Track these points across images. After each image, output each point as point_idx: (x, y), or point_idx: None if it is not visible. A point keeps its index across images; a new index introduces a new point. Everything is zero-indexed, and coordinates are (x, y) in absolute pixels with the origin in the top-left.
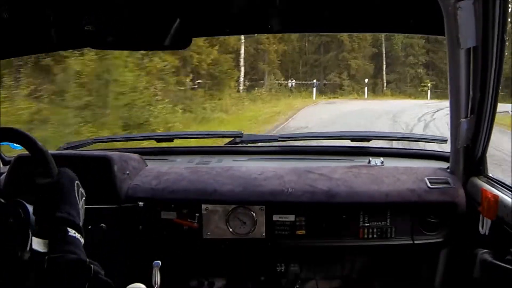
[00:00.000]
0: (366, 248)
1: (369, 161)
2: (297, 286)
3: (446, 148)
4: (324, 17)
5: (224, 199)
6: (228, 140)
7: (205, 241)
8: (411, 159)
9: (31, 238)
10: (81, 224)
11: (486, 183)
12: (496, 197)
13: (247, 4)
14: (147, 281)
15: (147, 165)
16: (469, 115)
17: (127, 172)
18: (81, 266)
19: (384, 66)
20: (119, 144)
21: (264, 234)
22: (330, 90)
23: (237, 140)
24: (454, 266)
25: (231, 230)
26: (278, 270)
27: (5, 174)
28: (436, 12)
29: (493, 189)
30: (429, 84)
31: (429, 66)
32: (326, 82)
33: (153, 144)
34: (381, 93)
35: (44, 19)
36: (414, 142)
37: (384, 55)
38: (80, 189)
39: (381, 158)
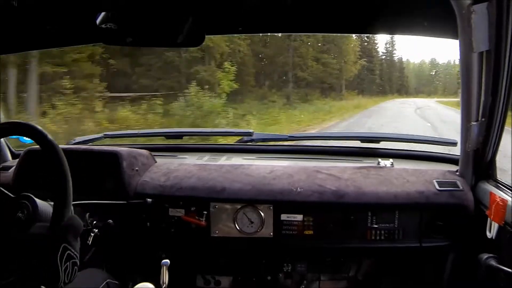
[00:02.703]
0: (373, 249)
1: (379, 162)
2: (303, 286)
3: (456, 151)
4: (338, 17)
5: (232, 197)
6: (237, 138)
7: (212, 239)
8: (421, 161)
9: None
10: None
11: (495, 187)
12: (504, 201)
13: (260, 3)
14: (154, 278)
15: (156, 162)
16: (480, 119)
17: (136, 168)
18: None
19: None
20: (128, 140)
21: (271, 233)
22: None
23: (247, 138)
24: (460, 269)
25: (238, 228)
26: (285, 270)
27: (14, 167)
28: (449, 15)
29: (501, 193)
30: None
31: None
32: None
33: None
34: None
35: (59, 14)
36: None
37: None
38: (67, 252)
39: (391, 160)
